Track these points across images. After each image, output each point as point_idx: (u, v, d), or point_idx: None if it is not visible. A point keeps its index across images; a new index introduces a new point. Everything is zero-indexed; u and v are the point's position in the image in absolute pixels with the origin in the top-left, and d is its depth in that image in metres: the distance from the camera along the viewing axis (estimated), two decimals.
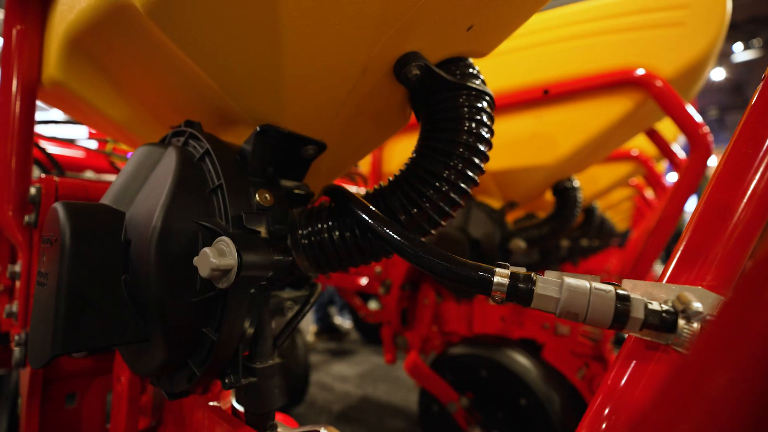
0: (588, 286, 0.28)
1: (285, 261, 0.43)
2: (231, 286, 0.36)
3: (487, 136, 0.46)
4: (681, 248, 0.31)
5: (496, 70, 1.04)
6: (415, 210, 0.44)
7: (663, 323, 0.26)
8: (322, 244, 0.46)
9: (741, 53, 9.15)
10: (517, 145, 1.06)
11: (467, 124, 0.44)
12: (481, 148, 0.46)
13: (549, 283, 0.29)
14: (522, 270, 0.32)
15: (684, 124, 0.86)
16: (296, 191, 0.50)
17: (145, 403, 0.66)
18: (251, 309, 0.41)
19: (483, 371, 1.07)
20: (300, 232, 0.47)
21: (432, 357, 1.22)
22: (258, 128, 0.43)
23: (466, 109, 0.44)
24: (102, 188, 0.63)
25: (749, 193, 0.29)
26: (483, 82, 0.48)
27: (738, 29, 8.86)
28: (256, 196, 0.42)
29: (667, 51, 0.89)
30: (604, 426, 0.29)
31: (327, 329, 2.92)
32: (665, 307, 0.27)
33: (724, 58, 10.07)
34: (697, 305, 0.26)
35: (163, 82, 0.45)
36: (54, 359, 0.34)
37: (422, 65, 0.41)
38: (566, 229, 1.23)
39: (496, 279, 0.31)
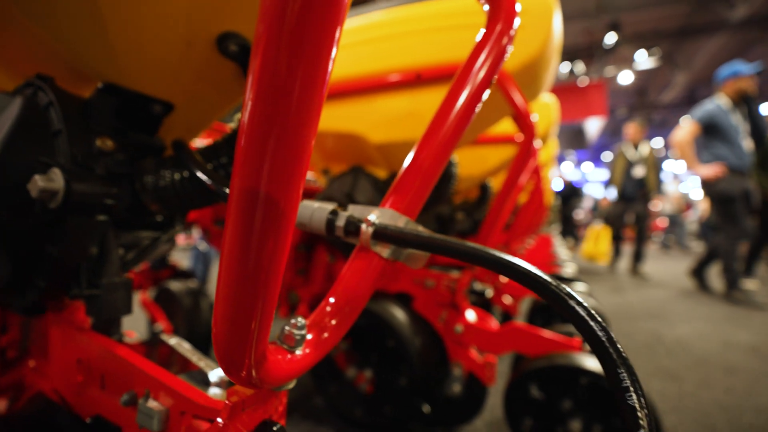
0: (315, 205, 0.42)
1: (121, 194, 0.52)
2: (64, 208, 0.45)
3: None
4: (393, 185, 0.45)
5: (377, 53, 1.17)
6: None
7: (355, 229, 0.40)
8: (165, 189, 0.56)
9: (644, 61, 10.21)
10: (396, 121, 1.21)
11: None
12: None
13: None
14: None
15: (517, 112, 1.05)
16: (147, 143, 0.59)
17: (11, 341, 0.72)
18: (93, 232, 0.50)
19: (360, 319, 1.23)
20: (147, 177, 0.56)
21: None
22: (100, 85, 0.51)
23: None
24: None
25: (429, 146, 0.44)
26: None
27: (642, 39, 9.88)
28: (98, 142, 0.50)
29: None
30: (328, 309, 0.43)
31: None
32: (357, 218, 0.41)
33: (631, 63, 11.19)
34: (371, 217, 0.40)
35: (11, 36, 0.51)
36: None
37: (239, 42, 0.52)
38: (444, 199, 1.41)
39: None
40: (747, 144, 3.51)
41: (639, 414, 0.27)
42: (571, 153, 21.17)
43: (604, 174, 19.69)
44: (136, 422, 0.42)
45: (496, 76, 0.47)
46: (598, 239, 5.63)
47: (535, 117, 1.08)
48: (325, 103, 0.99)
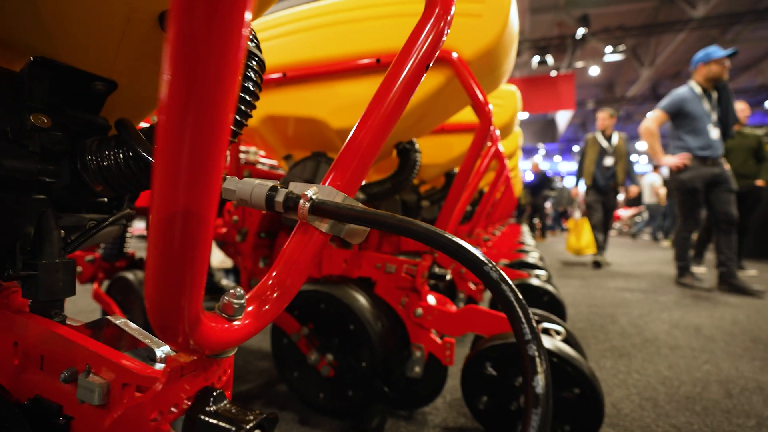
0: (256, 182, 0.42)
1: (60, 172, 0.51)
2: None
3: (253, 88, 0.58)
4: (333, 164, 0.47)
5: (338, 38, 1.17)
6: None
7: (294, 204, 0.42)
8: (109, 169, 0.55)
9: (611, 55, 10.55)
10: (355, 106, 1.21)
11: None
12: (246, 97, 0.58)
13: (232, 181, 0.43)
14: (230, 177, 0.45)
15: (474, 99, 1.08)
16: (88, 122, 0.58)
17: None
18: (28, 211, 0.49)
19: (322, 304, 1.25)
20: (90, 157, 0.55)
21: None
22: (32, 58, 0.49)
23: None
24: None
25: (367, 126, 0.46)
26: (257, 45, 0.60)
27: (609, 34, 10.20)
28: (31, 118, 0.49)
29: (468, 37, 1.09)
30: (270, 282, 0.44)
31: (211, 290, 2.93)
32: (295, 194, 0.42)
33: (598, 57, 11.55)
34: (309, 192, 0.41)
35: None
36: None
37: None
38: (406, 185, 1.44)
39: None
40: (716, 132, 3.40)
41: (537, 362, 0.30)
42: (541, 146, 21.73)
43: (573, 166, 20.29)
44: (77, 398, 0.42)
45: (434, 58, 0.49)
46: (580, 231, 5.30)
47: (490, 106, 1.12)
48: (286, 88, 1.00)
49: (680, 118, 3.46)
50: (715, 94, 3.46)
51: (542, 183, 9.53)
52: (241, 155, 1.89)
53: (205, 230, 0.30)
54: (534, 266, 2.58)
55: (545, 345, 1.07)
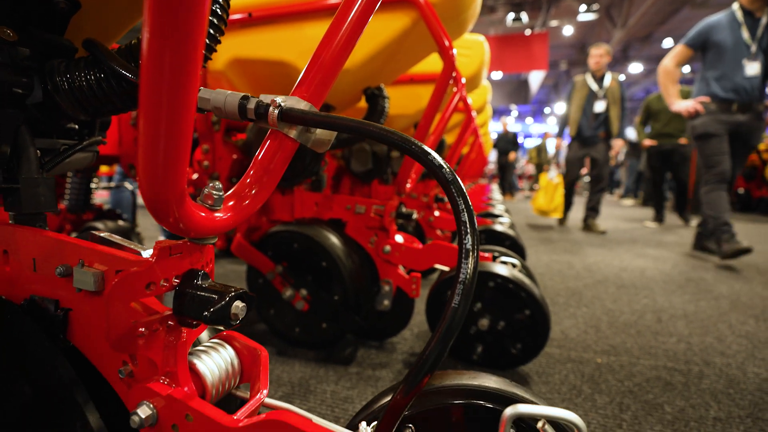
0: (227, 92, 0.46)
1: (32, 86, 0.53)
2: None
3: (220, 12, 0.60)
4: (299, 81, 0.51)
5: None
6: None
7: (264, 111, 0.46)
8: (81, 89, 0.57)
9: (584, 14, 10.53)
10: None
11: None
12: (215, 21, 0.60)
13: (206, 91, 0.47)
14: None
15: (438, 42, 1.11)
16: (54, 42, 0.59)
17: None
18: (2, 126, 0.51)
19: (295, 244, 1.31)
20: (59, 78, 0.57)
21: None
22: None
23: None
24: None
25: (331, 43, 0.50)
26: None
27: None
28: None
29: None
30: (248, 181, 0.50)
31: None
32: (266, 103, 0.46)
33: (572, 17, 11.50)
34: (278, 99, 0.46)
35: None
36: None
37: None
38: None
39: None
40: (755, 67, 2.64)
41: (467, 225, 0.37)
42: (513, 107, 21.87)
43: (545, 128, 20.60)
44: (74, 287, 0.46)
45: None
46: (553, 192, 4.67)
47: (454, 50, 1.15)
48: (252, 29, 1.01)
49: (708, 51, 2.76)
50: (765, 18, 2.61)
51: (513, 143, 9.76)
52: None
53: (186, 125, 0.34)
54: (499, 215, 2.72)
55: (504, 274, 1.19)
